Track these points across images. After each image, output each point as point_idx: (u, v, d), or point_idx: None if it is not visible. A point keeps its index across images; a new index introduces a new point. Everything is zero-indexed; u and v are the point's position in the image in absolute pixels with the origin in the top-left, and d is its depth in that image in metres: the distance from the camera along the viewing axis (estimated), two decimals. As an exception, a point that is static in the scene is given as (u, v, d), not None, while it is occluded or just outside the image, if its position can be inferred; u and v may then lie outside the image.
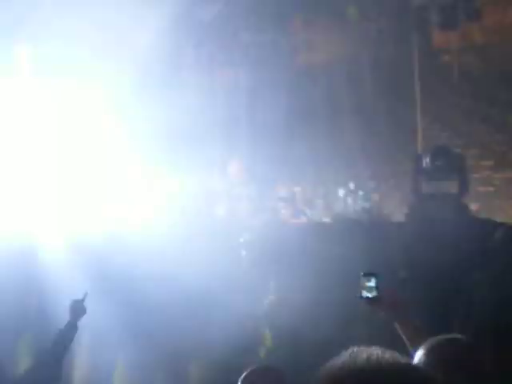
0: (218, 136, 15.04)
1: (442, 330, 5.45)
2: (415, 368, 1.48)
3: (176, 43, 14.01)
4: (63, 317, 4.69)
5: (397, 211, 8.43)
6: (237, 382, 3.23)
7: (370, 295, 3.41)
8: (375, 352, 1.39)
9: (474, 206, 8.54)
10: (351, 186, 7.57)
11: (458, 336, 2.82)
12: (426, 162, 6.51)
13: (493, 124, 13.18)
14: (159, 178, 10.30)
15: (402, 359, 1.40)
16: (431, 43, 15.16)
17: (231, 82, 15.35)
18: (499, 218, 9.62)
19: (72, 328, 4.64)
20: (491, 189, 11.39)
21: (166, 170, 10.87)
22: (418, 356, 2.59)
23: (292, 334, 6.45)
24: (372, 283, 3.44)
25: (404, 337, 3.28)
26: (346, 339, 6.17)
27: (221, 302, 6.63)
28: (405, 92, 14.60)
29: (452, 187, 6.43)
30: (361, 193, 7.38)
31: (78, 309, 4.72)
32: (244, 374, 3.23)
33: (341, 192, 7.60)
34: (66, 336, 4.62)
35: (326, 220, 7.41)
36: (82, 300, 4.75)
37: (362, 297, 3.41)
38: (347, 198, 7.44)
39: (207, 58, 15.51)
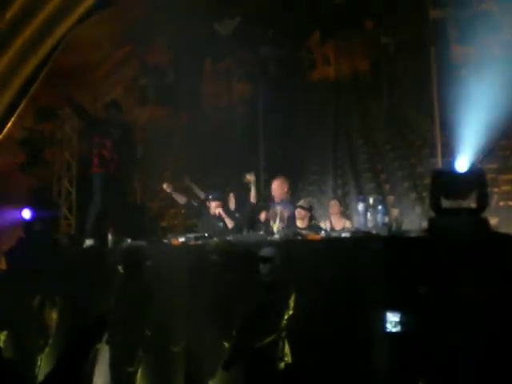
0: (236, 149, 15.07)
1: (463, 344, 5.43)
2: None
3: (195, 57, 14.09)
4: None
5: (417, 226, 8.40)
6: None
7: (393, 330, 3.39)
8: None
9: (493, 221, 8.48)
10: (370, 200, 7.52)
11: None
12: (439, 172, 6.50)
13: (513, 138, 13.12)
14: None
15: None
16: (450, 57, 15.13)
17: (249, 96, 15.38)
18: (519, 232, 9.56)
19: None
20: (511, 203, 11.32)
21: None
22: None
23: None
24: (397, 318, 3.42)
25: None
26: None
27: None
28: (424, 106, 14.56)
29: (472, 202, 6.39)
30: (380, 207, 7.32)
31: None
32: None
33: (360, 206, 7.55)
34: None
35: (345, 235, 7.37)
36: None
37: (386, 331, 3.39)
38: (366, 213, 7.39)
39: (225, 71, 15.57)
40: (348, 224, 8.95)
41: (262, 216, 9.14)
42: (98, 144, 9.57)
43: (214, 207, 9.57)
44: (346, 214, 9.14)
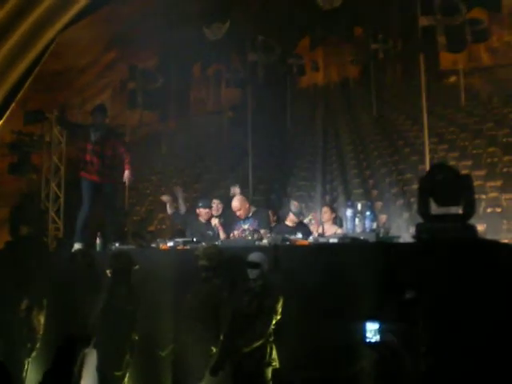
0: (224, 156, 15.08)
1: (450, 348, 5.45)
2: None
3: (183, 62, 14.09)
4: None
5: (404, 232, 8.43)
6: None
7: (373, 340, 3.46)
8: None
9: (480, 227, 8.52)
10: (359, 206, 7.54)
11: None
12: (427, 178, 6.51)
13: (500, 145, 13.20)
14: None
15: None
16: (438, 64, 15.21)
17: (237, 101, 15.41)
18: (506, 239, 9.61)
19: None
20: (498, 210, 11.38)
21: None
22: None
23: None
24: (375, 328, 3.49)
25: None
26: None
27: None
28: (412, 112, 14.63)
29: (459, 208, 6.41)
30: (368, 213, 7.35)
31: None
32: None
33: (348, 212, 7.56)
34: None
35: (333, 240, 7.38)
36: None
37: (365, 341, 3.46)
38: (354, 219, 7.41)
39: (214, 76, 15.59)
40: (339, 231, 8.99)
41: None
42: (83, 148, 9.56)
43: (204, 214, 9.57)
44: (336, 220, 9.15)
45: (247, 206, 8.87)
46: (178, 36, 13.83)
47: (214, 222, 9.40)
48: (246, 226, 8.62)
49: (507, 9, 11.98)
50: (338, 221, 9.09)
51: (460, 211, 6.34)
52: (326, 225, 9.20)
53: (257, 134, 13.13)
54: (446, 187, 6.31)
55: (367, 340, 5.39)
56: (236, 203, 8.83)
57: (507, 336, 5.48)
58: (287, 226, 8.88)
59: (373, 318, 5.53)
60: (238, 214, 8.82)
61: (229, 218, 9.37)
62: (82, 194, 9.53)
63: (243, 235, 8.40)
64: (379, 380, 5.82)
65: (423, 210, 6.38)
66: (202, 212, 9.57)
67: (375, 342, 4.01)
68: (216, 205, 9.60)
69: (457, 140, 14.40)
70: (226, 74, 14.36)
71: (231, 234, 8.75)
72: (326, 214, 9.18)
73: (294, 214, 8.93)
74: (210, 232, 9.30)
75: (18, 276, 8.78)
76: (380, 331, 3.49)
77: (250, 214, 8.79)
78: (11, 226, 10.79)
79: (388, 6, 12.39)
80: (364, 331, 5.63)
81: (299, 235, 7.78)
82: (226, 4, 13.76)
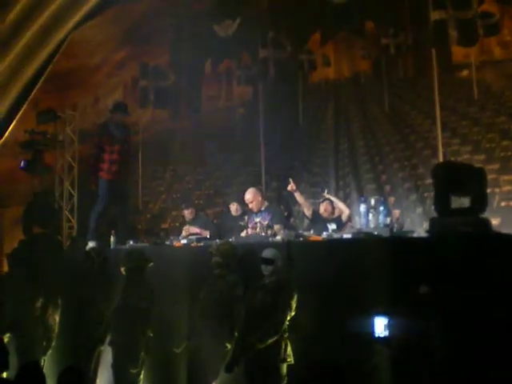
0: (236, 151, 15.09)
1: (464, 343, 5.44)
2: None
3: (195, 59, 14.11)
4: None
5: (418, 226, 8.42)
6: None
7: (381, 335, 3.48)
8: None
9: (495, 221, 8.49)
10: (372, 201, 7.52)
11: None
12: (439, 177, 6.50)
13: (513, 138, 13.14)
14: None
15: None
16: (450, 58, 15.14)
17: (249, 98, 15.41)
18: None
19: None
20: (512, 203, 11.34)
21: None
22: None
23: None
24: (384, 322, 3.50)
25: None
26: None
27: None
28: (425, 107, 14.57)
29: (473, 202, 6.40)
30: (381, 208, 7.33)
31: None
32: None
33: (362, 208, 7.55)
34: None
35: (347, 236, 7.38)
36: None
37: (374, 336, 3.47)
38: (368, 214, 7.40)
39: (225, 73, 15.59)
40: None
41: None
42: (101, 147, 9.56)
43: (188, 214, 9.61)
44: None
45: (260, 198, 8.78)
46: (189, 33, 13.86)
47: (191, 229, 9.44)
48: (257, 220, 8.58)
49: (519, 2, 11.91)
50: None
51: (473, 205, 6.34)
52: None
53: (269, 131, 13.13)
54: (460, 181, 6.31)
55: (376, 335, 5.39)
56: (248, 195, 8.78)
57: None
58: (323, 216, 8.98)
59: (382, 313, 5.53)
60: (250, 206, 8.77)
61: (228, 222, 9.43)
62: (98, 193, 9.55)
63: (255, 229, 8.39)
64: (393, 376, 5.83)
65: (439, 205, 6.38)
66: (186, 212, 9.64)
67: (384, 337, 3.99)
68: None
69: (469, 134, 14.32)
70: (238, 70, 14.37)
71: (246, 231, 8.72)
72: (326, 210, 9.15)
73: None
74: (241, 223, 9.27)
75: (32, 275, 8.83)
76: (390, 326, 3.49)
77: (263, 208, 8.76)
78: (25, 225, 10.85)
79: (399, 0, 12.35)
80: (373, 326, 5.63)
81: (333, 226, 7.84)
82: (237, 0, 13.76)
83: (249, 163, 14.50)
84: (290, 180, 8.84)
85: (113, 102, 10.72)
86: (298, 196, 8.95)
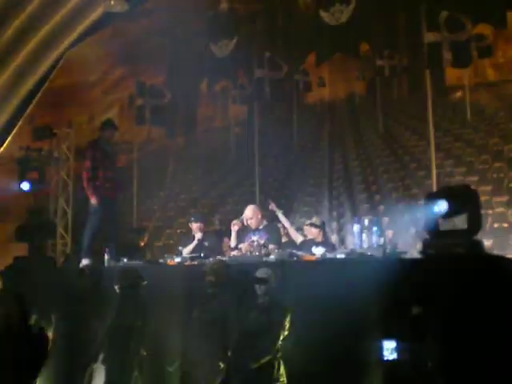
0: (231, 170, 15.13)
1: (458, 363, 5.46)
2: None
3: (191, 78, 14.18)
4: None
5: (411, 247, 8.44)
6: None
7: (390, 358, 3.44)
8: None
9: (487, 243, 8.53)
10: (365, 221, 7.56)
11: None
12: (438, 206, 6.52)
13: (506, 160, 13.22)
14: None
15: None
16: (444, 80, 15.25)
17: (244, 117, 15.48)
18: (513, 254, 9.61)
19: None
20: (505, 225, 11.38)
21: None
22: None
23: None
24: (392, 346, 3.48)
25: None
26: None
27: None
28: (419, 128, 14.66)
29: (466, 223, 6.43)
30: (375, 229, 7.36)
31: None
32: None
33: (355, 228, 7.58)
34: None
35: (340, 256, 7.41)
36: None
37: (383, 359, 3.44)
38: (361, 234, 7.43)
39: (221, 92, 15.67)
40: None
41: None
42: (97, 164, 9.57)
43: (196, 229, 9.54)
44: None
45: (259, 216, 8.81)
46: (186, 53, 13.94)
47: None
48: (255, 238, 8.60)
49: (512, 24, 12.02)
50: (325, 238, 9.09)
51: (466, 227, 6.37)
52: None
53: (263, 150, 13.18)
54: (452, 203, 6.34)
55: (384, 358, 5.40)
56: (249, 212, 8.80)
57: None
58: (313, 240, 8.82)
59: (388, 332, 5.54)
60: (249, 222, 8.78)
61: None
62: (91, 210, 9.54)
63: (251, 247, 8.40)
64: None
65: (429, 226, 6.41)
66: (194, 226, 9.55)
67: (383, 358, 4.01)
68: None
69: (463, 155, 14.42)
70: (233, 90, 14.46)
71: (239, 247, 8.72)
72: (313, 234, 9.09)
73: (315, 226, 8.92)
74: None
75: (26, 291, 8.81)
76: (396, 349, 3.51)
77: (261, 227, 8.78)
78: (20, 241, 10.85)
79: (394, 23, 12.46)
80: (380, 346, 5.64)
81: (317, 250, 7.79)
82: (233, 21, 13.86)
83: (243, 182, 14.55)
84: (270, 201, 8.90)
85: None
86: (281, 217, 9.00)
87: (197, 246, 9.29)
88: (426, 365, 5.59)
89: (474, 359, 5.49)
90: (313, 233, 8.86)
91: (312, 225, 8.93)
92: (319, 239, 8.76)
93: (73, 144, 12.89)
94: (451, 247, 6.21)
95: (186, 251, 9.28)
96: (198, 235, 9.44)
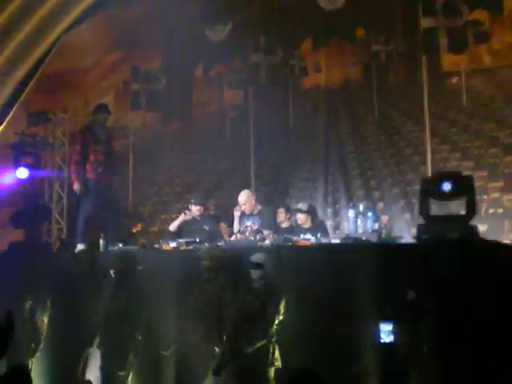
0: (226, 156, 15.12)
1: (451, 349, 5.49)
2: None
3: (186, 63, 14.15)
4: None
5: (406, 232, 8.46)
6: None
7: (387, 340, 3.47)
8: None
9: (482, 228, 8.55)
10: (361, 207, 7.56)
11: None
12: (433, 188, 6.53)
13: (502, 146, 13.24)
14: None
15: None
16: (440, 66, 15.24)
17: (240, 102, 15.46)
18: (508, 239, 9.64)
19: None
20: (500, 210, 11.40)
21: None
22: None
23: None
24: (389, 328, 3.50)
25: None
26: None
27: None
28: (414, 113, 14.65)
29: (461, 209, 6.45)
30: (370, 214, 7.37)
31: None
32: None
33: (350, 213, 7.59)
34: None
35: (335, 241, 7.42)
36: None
37: (380, 341, 3.46)
38: (356, 219, 7.44)
39: (217, 77, 15.64)
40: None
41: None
42: (88, 148, 9.52)
43: (195, 211, 9.36)
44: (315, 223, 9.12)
45: (253, 201, 8.81)
46: (181, 38, 13.90)
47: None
48: (249, 223, 8.59)
49: (508, 10, 12.01)
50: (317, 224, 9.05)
51: (461, 212, 6.39)
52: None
53: (259, 135, 13.17)
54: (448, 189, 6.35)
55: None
56: (242, 197, 8.80)
57: (507, 334, 5.52)
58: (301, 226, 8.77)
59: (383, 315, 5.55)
60: (242, 208, 8.79)
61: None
62: (83, 192, 9.49)
63: (246, 232, 8.40)
64: (385, 378, 5.87)
65: (424, 211, 6.43)
66: (193, 208, 9.36)
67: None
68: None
69: (459, 141, 14.43)
70: (229, 75, 14.43)
71: (235, 234, 8.72)
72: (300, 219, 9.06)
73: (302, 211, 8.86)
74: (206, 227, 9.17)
75: (21, 276, 8.82)
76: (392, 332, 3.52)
77: (256, 212, 8.78)
78: (15, 227, 10.86)
79: (390, 8, 12.43)
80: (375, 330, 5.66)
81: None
82: (229, 6, 13.80)
83: (239, 167, 14.54)
84: None
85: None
86: None
87: (197, 230, 9.17)
88: (422, 347, 5.62)
89: (469, 342, 5.52)
90: (300, 218, 8.82)
91: (298, 210, 8.89)
92: (307, 225, 8.72)
93: (68, 129, 12.85)
94: (446, 232, 6.23)
95: (173, 226, 9.28)
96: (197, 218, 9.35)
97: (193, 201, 9.42)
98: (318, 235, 7.75)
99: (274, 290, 6.65)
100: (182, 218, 9.29)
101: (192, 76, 14.83)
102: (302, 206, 8.96)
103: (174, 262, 7.89)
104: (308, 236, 7.62)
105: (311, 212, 8.96)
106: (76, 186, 9.39)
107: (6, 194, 12.05)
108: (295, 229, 8.67)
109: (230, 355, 6.63)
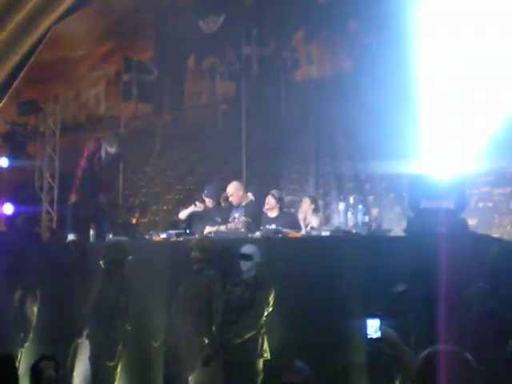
0: (218, 149, 15.11)
1: (439, 341, 5.50)
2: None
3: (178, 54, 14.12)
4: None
5: (396, 226, 8.48)
6: None
7: (374, 336, 3.57)
8: None
9: (472, 222, 8.57)
10: (351, 200, 7.59)
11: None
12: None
13: (492, 139, 13.24)
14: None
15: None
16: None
17: (232, 94, 15.43)
18: (497, 233, 9.67)
19: None
20: (490, 204, 11.41)
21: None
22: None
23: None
24: (376, 324, 3.60)
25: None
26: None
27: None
28: (406, 105, 14.64)
29: (450, 202, 6.47)
30: (360, 207, 7.39)
31: None
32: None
33: (341, 206, 7.61)
34: None
35: (325, 234, 7.44)
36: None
37: (367, 337, 3.57)
38: (347, 212, 7.46)
39: (209, 69, 15.60)
40: (315, 223, 8.73)
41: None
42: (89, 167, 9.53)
43: (208, 203, 9.26)
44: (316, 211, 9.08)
45: (241, 193, 8.79)
46: (174, 28, 13.87)
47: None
48: (236, 215, 8.60)
49: None
50: (317, 212, 9.05)
51: (451, 206, 6.41)
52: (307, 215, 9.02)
53: (251, 127, 13.15)
54: (437, 183, 6.37)
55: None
56: (230, 188, 8.80)
57: (497, 326, 5.54)
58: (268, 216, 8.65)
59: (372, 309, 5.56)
60: (230, 199, 8.79)
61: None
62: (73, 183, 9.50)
63: (233, 224, 8.40)
64: (372, 372, 5.90)
65: (414, 204, 6.46)
66: (207, 200, 9.22)
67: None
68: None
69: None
70: (221, 66, 14.40)
71: (226, 225, 8.70)
72: (306, 204, 9.10)
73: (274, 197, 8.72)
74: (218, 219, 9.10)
75: (11, 266, 8.82)
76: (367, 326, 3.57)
77: (244, 204, 8.77)
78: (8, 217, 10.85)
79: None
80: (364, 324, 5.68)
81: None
82: (221, -3, 13.78)
83: (230, 159, 14.53)
84: None
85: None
86: None
87: (209, 221, 9.05)
88: (409, 342, 5.64)
89: (458, 335, 5.54)
90: (270, 203, 8.60)
91: (271, 195, 8.76)
92: (274, 213, 8.57)
93: (59, 119, 12.82)
94: (436, 226, 6.25)
95: (183, 214, 9.26)
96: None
97: (206, 192, 9.34)
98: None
99: (263, 281, 6.68)
100: (192, 208, 9.27)
101: (184, 67, 14.79)
102: (275, 192, 8.86)
103: (164, 253, 7.91)
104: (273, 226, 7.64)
105: (280, 202, 8.82)
106: (73, 199, 9.41)
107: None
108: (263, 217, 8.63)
109: (219, 346, 6.66)
